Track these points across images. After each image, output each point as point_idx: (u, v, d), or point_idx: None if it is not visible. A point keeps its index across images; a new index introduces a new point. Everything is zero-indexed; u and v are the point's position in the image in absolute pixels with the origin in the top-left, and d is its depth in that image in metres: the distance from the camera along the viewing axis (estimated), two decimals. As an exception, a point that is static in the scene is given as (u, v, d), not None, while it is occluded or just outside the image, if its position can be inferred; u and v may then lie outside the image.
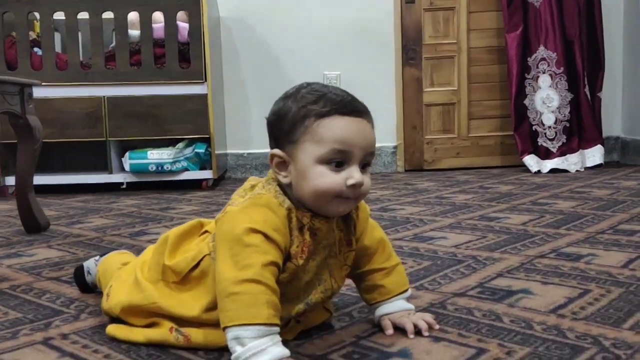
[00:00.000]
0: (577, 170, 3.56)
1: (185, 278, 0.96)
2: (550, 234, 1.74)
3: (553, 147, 3.66)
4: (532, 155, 3.64)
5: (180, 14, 3.24)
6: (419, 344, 0.93)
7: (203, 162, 3.33)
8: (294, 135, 0.88)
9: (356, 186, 0.88)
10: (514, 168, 3.81)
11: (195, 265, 0.95)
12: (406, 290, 1.03)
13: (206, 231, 1.01)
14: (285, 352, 0.81)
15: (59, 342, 0.98)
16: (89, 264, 1.26)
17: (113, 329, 0.98)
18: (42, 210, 2.10)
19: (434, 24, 3.92)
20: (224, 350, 0.87)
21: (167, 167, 3.21)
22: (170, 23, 3.20)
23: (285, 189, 0.92)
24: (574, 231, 1.77)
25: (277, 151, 0.90)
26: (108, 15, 3.22)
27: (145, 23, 3.19)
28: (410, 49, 3.93)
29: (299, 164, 0.88)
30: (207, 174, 3.28)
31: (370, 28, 3.90)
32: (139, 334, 0.96)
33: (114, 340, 0.97)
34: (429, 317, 1.00)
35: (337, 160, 0.87)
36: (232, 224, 0.87)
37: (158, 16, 3.22)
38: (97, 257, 1.26)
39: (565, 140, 3.66)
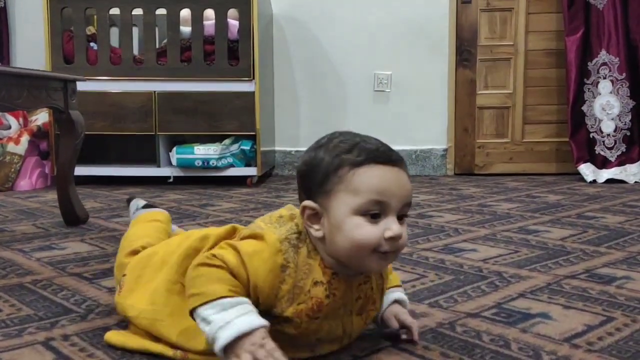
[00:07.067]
0: (635, 182, 3.39)
1: None
2: (588, 252, 1.65)
3: (611, 156, 3.50)
4: (588, 164, 3.50)
5: (231, 12, 3.26)
6: (415, 368, 0.90)
7: (248, 159, 3.35)
8: (327, 185, 0.84)
9: (395, 239, 0.82)
10: (569, 176, 3.67)
11: None
12: (400, 287, 1.06)
13: None
14: (256, 322, 0.78)
15: (58, 343, 0.99)
16: (132, 208, 1.43)
17: (111, 336, 0.98)
18: (81, 203, 2.16)
19: (490, 25, 3.82)
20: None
21: (213, 163, 3.24)
22: (221, 20, 3.23)
23: (315, 244, 0.87)
24: (614, 250, 1.68)
25: (309, 203, 0.85)
26: (161, 11, 3.28)
27: (197, 20, 3.23)
28: (465, 50, 3.84)
29: (334, 215, 0.83)
30: (251, 171, 3.29)
31: (424, 28, 3.83)
32: (136, 342, 0.95)
33: (111, 346, 0.97)
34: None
35: (374, 211, 0.82)
36: (234, 244, 0.86)
37: (209, 13, 3.26)
38: (140, 206, 1.41)
39: (624, 150, 3.50)
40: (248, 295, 0.83)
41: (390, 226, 0.82)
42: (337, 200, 0.83)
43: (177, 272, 0.97)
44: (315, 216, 0.85)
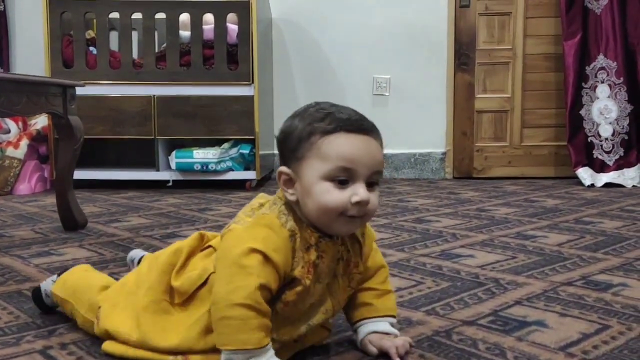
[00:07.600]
0: (633, 186, 3.40)
1: (191, 297, 0.95)
2: (584, 258, 1.66)
3: (609, 160, 3.51)
4: (586, 168, 3.50)
5: (230, 16, 3.27)
6: (411, 377, 0.91)
7: (247, 163, 3.36)
8: (299, 152, 0.88)
9: (361, 204, 0.86)
10: (567, 180, 3.67)
11: (202, 284, 0.94)
12: (394, 317, 1.02)
13: (210, 246, 1.01)
14: None
15: (56, 351, 1.00)
16: (46, 286, 1.17)
17: (109, 344, 0.98)
18: (80, 208, 2.16)
19: (488, 29, 3.83)
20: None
21: (212, 167, 3.25)
22: (220, 25, 3.23)
23: (294, 208, 0.91)
24: (611, 256, 1.69)
25: (283, 168, 0.90)
26: (161, 16, 3.28)
27: (196, 24, 3.24)
28: (464, 53, 3.85)
29: (304, 180, 0.88)
30: (250, 175, 3.30)
31: (423, 32, 3.84)
32: (134, 351, 0.95)
33: (109, 355, 0.97)
34: (403, 341, 0.98)
35: (342, 178, 0.86)
36: (233, 243, 0.87)
37: (208, 18, 3.26)
38: (54, 277, 1.17)
39: (622, 154, 3.51)
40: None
41: (357, 191, 0.86)
42: (307, 166, 0.87)
43: (158, 291, 0.97)
44: (290, 181, 0.90)
